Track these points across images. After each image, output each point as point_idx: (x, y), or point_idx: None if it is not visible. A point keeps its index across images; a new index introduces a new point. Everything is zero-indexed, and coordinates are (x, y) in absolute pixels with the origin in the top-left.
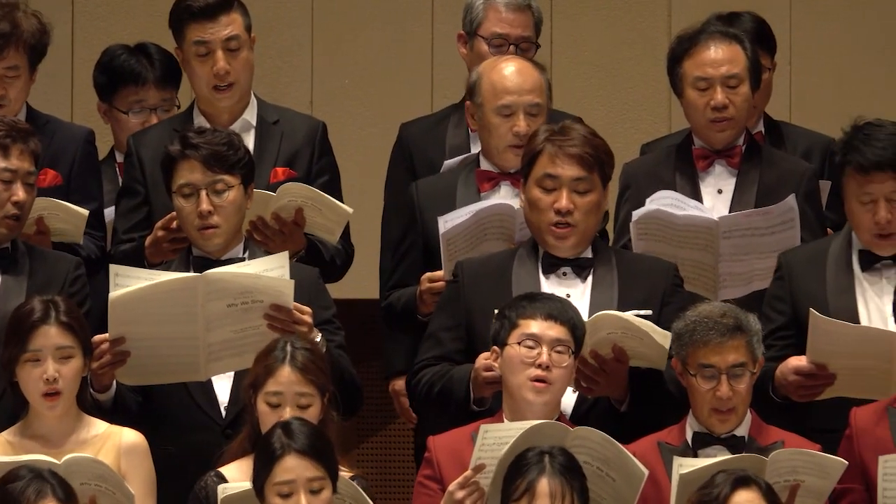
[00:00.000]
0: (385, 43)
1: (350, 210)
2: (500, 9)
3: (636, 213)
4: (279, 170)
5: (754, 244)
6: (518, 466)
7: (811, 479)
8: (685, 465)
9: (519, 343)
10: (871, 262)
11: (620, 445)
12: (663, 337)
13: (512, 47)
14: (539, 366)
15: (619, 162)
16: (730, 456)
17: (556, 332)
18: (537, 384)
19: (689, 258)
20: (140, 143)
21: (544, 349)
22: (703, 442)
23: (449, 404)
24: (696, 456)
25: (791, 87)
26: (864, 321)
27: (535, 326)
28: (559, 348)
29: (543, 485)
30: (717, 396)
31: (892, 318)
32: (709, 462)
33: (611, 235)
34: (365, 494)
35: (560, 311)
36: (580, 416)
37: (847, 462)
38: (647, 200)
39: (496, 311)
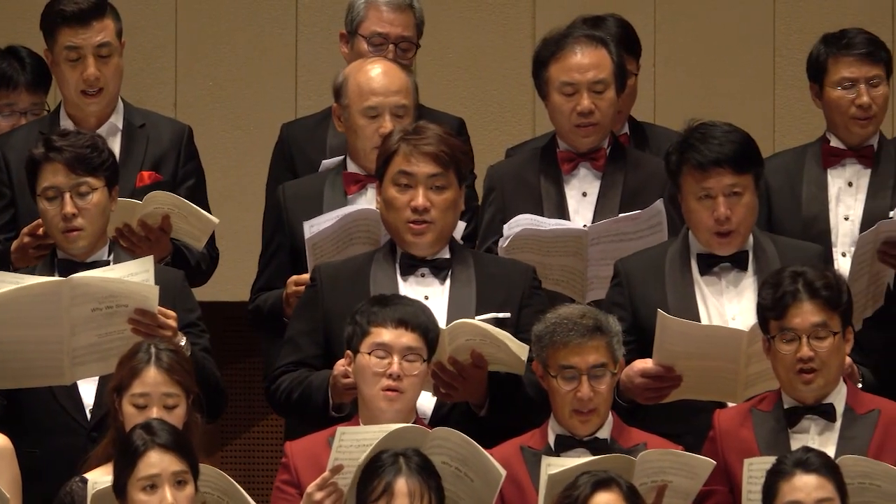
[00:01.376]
0: (249, 45)
1: (216, 220)
2: (381, 8)
3: (502, 242)
4: (145, 173)
5: (622, 249)
6: (373, 468)
7: (679, 480)
8: (554, 465)
9: (370, 353)
10: (709, 265)
11: (479, 446)
12: (520, 348)
13: (392, 46)
14: (390, 376)
15: (483, 164)
16: (598, 457)
17: (407, 339)
18: (389, 393)
19: (558, 263)
20: (6, 145)
21: (395, 358)
22: (565, 445)
23: (308, 411)
24: None
25: (655, 88)
26: (656, 348)
27: (386, 335)
28: (410, 356)
29: (401, 484)
30: (577, 397)
31: (756, 319)
32: (577, 462)
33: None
34: (235, 483)
35: (412, 315)
36: (439, 419)
37: (714, 462)
38: (506, 228)
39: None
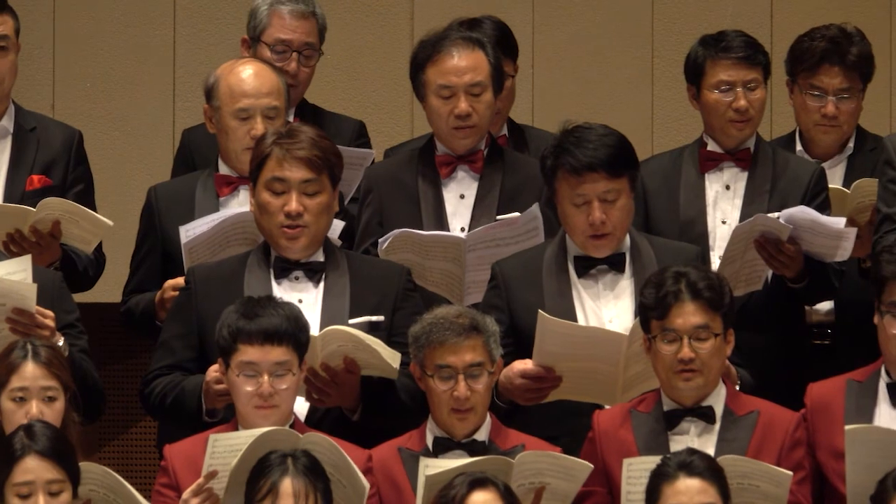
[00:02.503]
0: (126, 46)
1: (110, 223)
2: (284, 15)
3: (382, 242)
4: (35, 177)
5: (499, 254)
6: (261, 468)
7: (556, 482)
8: (431, 467)
9: (239, 373)
10: (586, 267)
11: (346, 455)
12: (392, 355)
13: (295, 54)
14: (261, 395)
15: None
16: (476, 458)
17: (276, 354)
18: (262, 411)
19: (438, 267)
20: None
21: (265, 377)
22: (443, 446)
23: (181, 415)
24: None
25: (533, 89)
26: (536, 349)
27: (253, 353)
28: (280, 371)
29: (287, 485)
30: (454, 397)
31: (632, 321)
32: (455, 463)
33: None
34: (121, 479)
35: (277, 327)
36: (314, 423)
37: (592, 465)
38: (381, 241)
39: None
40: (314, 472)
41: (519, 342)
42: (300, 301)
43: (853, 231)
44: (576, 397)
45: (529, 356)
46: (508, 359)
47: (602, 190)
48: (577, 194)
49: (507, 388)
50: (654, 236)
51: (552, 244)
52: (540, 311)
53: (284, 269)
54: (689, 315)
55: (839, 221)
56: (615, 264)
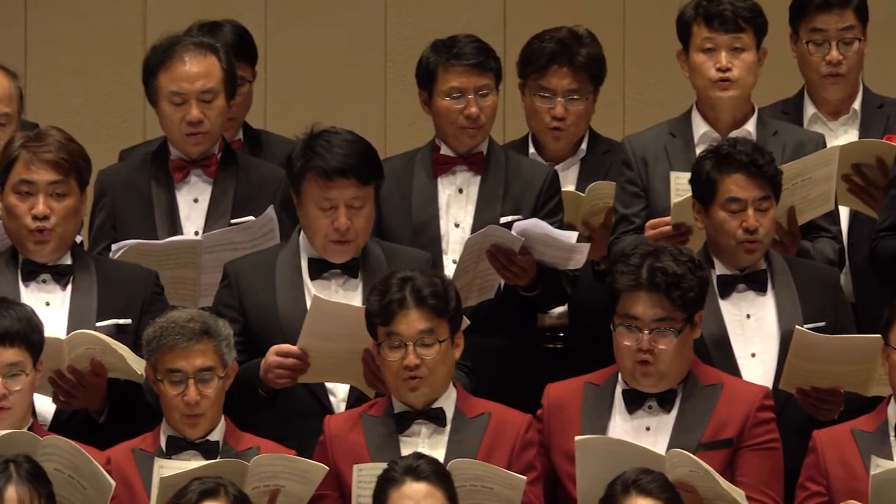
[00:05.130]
0: None
1: None
2: None
3: (113, 253)
4: None
5: (236, 256)
6: None
7: (291, 485)
8: (167, 468)
9: None
10: (320, 270)
11: (89, 456)
12: (137, 360)
13: None
14: None
15: (94, 169)
16: (211, 461)
17: (8, 356)
18: None
19: (168, 276)
20: None
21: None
22: (177, 447)
23: None
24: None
25: (266, 94)
26: (304, 331)
27: None
28: (13, 372)
29: (11, 492)
30: (185, 402)
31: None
32: (190, 466)
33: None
34: None
35: (8, 327)
36: (59, 425)
37: (327, 467)
38: (113, 249)
39: None
40: (37, 478)
41: (250, 341)
42: (47, 304)
43: (586, 246)
44: (326, 379)
45: (260, 356)
46: (242, 357)
47: (350, 196)
48: (326, 198)
49: (264, 368)
50: (387, 242)
51: (287, 247)
52: (316, 295)
53: (32, 272)
54: (413, 321)
55: (571, 236)
56: (348, 269)
